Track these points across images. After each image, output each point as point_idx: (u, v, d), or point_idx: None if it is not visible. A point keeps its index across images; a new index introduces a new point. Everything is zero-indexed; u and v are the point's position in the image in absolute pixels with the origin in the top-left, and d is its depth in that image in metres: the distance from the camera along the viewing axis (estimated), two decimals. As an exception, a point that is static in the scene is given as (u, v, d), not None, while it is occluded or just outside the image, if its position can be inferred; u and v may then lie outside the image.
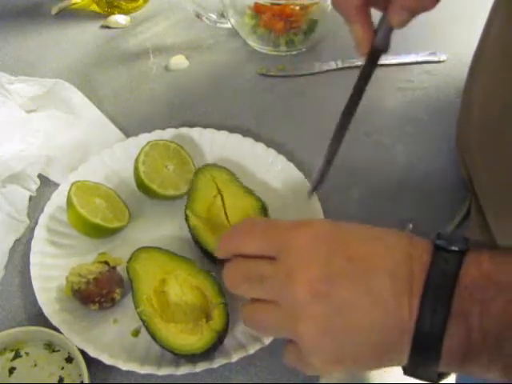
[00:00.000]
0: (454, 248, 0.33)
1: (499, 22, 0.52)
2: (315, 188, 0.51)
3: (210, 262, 0.55)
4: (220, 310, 0.50)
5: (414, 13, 0.43)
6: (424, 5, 0.42)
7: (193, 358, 0.49)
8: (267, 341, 0.50)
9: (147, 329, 0.50)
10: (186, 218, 0.57)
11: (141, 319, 0.51)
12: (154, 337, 0.50)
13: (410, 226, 0.59)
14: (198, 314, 0.51)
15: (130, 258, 0.54)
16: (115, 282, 0.53)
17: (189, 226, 0.57)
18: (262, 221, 0.45)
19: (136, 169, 0.61)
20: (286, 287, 0.35)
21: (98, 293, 0.51)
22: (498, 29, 0.52)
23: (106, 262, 0.54)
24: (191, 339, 0.49)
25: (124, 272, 0.54)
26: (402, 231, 0.37)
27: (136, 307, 0.51)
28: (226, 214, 0.58)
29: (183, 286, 0.53)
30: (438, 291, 0.32)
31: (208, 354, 0.49)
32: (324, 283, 0.34)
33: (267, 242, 0.38)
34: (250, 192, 0.59)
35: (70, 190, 0.58)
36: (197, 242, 0.56)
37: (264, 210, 0.57)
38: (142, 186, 0.61)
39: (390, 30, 0.44)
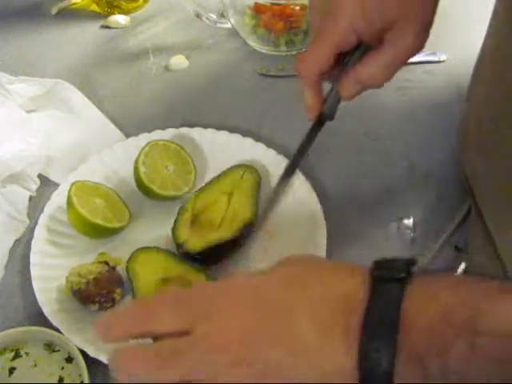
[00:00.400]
0: (396, 276, 0.31)
1: (500, 26, 0.52)
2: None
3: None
4: None
5: (364, 88, 0.47)
6: (375, 82, 0.46)
7: None
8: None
9: None
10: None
11: None
12: None
13: (411, 221, 0.59)
14: None
15: (129, 259, 0.54)
16: (115, 282, 0.53)
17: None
18: (167, 296, 0.38)
19: (136, 169, 0.61)
20: (206, 357, 0.33)
21: (97, 293, 0.51)
22: (498, 35, 0.52)
23: (106, 262, 0.54)
24: None
25: (124, 272, 0.54)
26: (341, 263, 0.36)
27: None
28: (223, 218, 0.58)
29: (183, 285, 0.53)
30: (380, 329, 0.30)
31: None
32: (243, 347, 0.32)
33: (180, 315, 0.35)
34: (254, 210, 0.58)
35: (69, 189, 0.58)
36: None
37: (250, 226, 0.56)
38: (142, 186, 0.61)
39: (338, 101, 0.49)
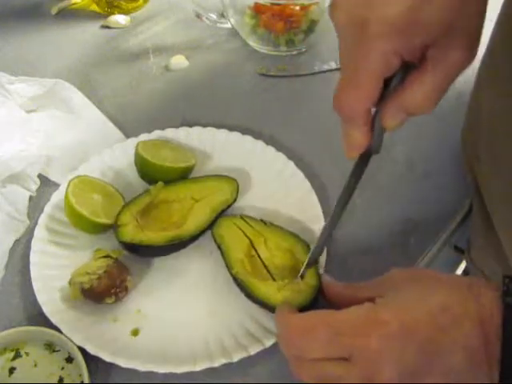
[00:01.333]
0: None
1: (506, 31, 0.51)
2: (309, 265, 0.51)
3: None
4: (311, 268, 0.51)
5: (410, 115, 0.41)
6: (422, 108, 0.40)
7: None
8: (268, 343, 0.50)
9: (245, 289, 0.51)
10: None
11: (236, 281, 0.52)
12: (252, 296, 0.51)
13: (412, 241, 0.59)
14: (289, 274, 0.52)
15: (214, 226, 0.56)
16: (125, 271, 0.54)
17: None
18: (321, 323, 0.41)
19: (137, 156, 0.61)
20: None
21: (111, 284, 0.52)
22: (505, 38, 0.51)
23: (107, 256, 0.54)
24: (291, 296, 0.49)
25: (126, 261, 0.55)
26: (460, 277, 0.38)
27: (231, 268, 0.53)
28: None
29: (273, 249, 0.54)
30: None
31: (309, 308, 0.49)
32: (403, 380, 0.37)
33: (336, 348, 0.39)
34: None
35: (67, 186, 0.58)
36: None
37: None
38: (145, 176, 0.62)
39: (383, 130, 0.42)
